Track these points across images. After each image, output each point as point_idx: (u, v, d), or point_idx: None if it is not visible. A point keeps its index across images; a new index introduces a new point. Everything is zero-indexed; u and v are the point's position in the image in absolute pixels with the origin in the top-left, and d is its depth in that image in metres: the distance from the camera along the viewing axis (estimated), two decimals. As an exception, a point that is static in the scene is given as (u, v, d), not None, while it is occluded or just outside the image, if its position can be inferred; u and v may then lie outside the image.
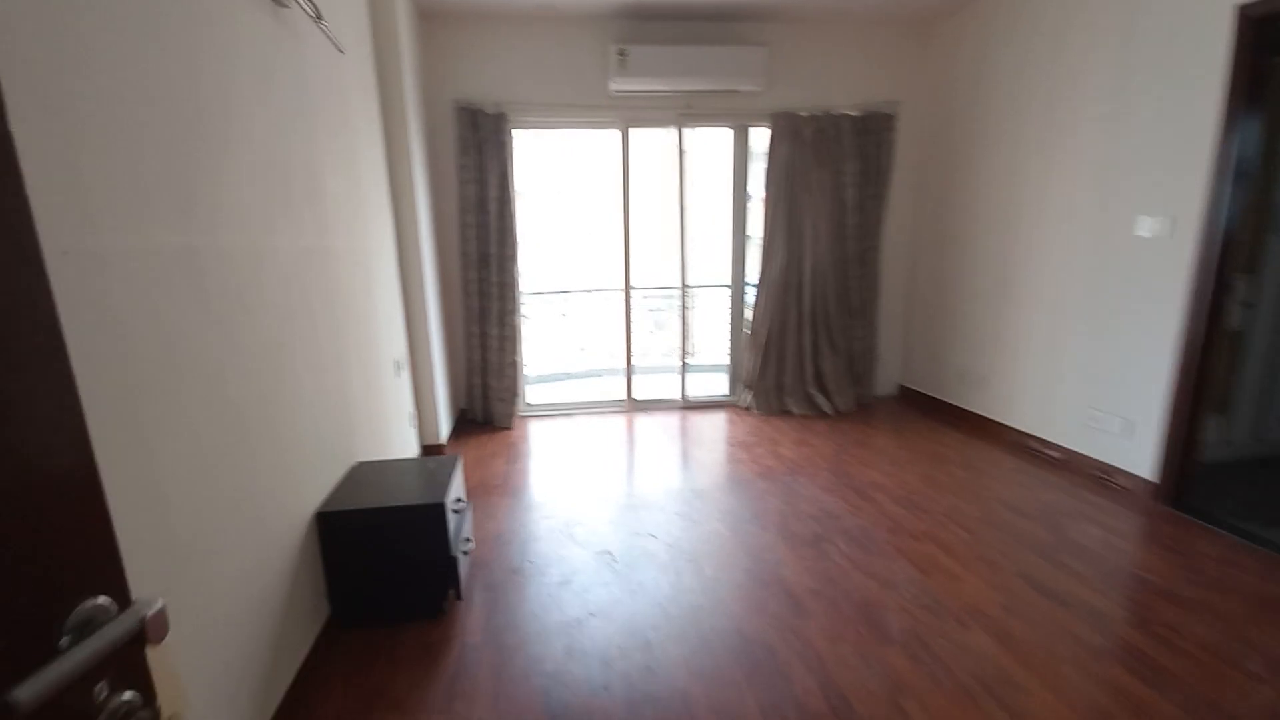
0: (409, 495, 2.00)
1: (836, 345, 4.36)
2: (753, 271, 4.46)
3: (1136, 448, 2.90)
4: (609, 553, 2.46)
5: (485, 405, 4.23)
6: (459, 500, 2.18)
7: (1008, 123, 3.55)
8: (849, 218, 4.26)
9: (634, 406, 4.54)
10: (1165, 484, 2.77)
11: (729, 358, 4.72)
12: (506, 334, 4.09)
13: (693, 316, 6.31)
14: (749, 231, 4.48)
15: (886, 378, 4.72)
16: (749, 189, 4.43)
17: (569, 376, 6.12)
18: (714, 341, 6.23)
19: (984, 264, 3.81)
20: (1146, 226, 2.78)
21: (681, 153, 4.24)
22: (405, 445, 3.21)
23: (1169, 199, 2.69)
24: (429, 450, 3.57)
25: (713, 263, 4.84)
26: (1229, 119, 2.45)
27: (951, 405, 4.17)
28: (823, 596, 2.11)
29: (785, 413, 4.36)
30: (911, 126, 4.32)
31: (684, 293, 4.50)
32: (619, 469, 3.39)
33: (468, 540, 2.26)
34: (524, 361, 4.43)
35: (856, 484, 3.08)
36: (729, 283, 4.59)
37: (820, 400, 4.31)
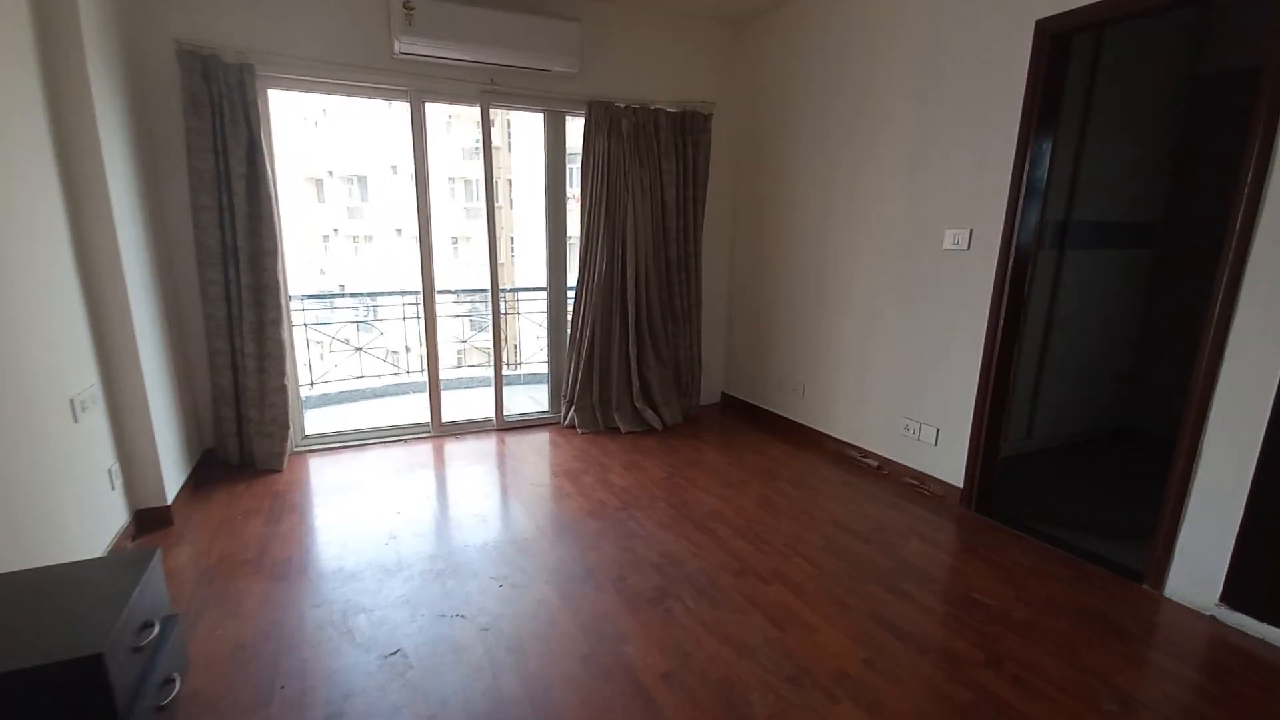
0: (30, 646, 1.23)
1: (663, 355, 4.13)
2: (573, 275, 4.04)
3: (944, 454, 3.01)
4: (401, 653, 1.87)
5: (242, 443, 3.29)
6: (148, 627, 1.44)
7: (818, 129, 3.55)
8: (670, 220, 4.03)
9: (442, 431, 3.88)
10: (971, 489, 2.89)
11: (548, 362, 4.25)
12: (268, 350, 3.20)
13: (513, 324, 5.76)
14: (569, 231, 4.06)
15: (710, 386, 4.62)
16: (567, 184, 4.00)
17: (370, 395, 5.21)
18: (535, 350, 5.74)
19: (799, 272, 3.81)
20: (952, 239, 2.87)
21: (487, 134, 3.67)
22: (97, 520, 2.27)
23: (972, 212, 2.78)
24: (145, 517, 2.61)
25: (534, 264, 4.34)
26: (1024, 133, 2.56)
27: (774, 414, 4.15)
28: (676, 681, 1.76)
29: (612, 429, 4.02)
30: (727, 128, 4.22)
31: (496, 297, 3.94)
32: (421, 520, 2.77)
33: (169, 682, 1.52)
34: (297, 383, 3.54)
35: (695, 515, 2.82)
36: (546, 286, 4.12)
37: (649, 415, 4.04)
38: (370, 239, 20.09)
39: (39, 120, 2.07)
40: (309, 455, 3.51)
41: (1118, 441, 3.87)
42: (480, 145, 3.68)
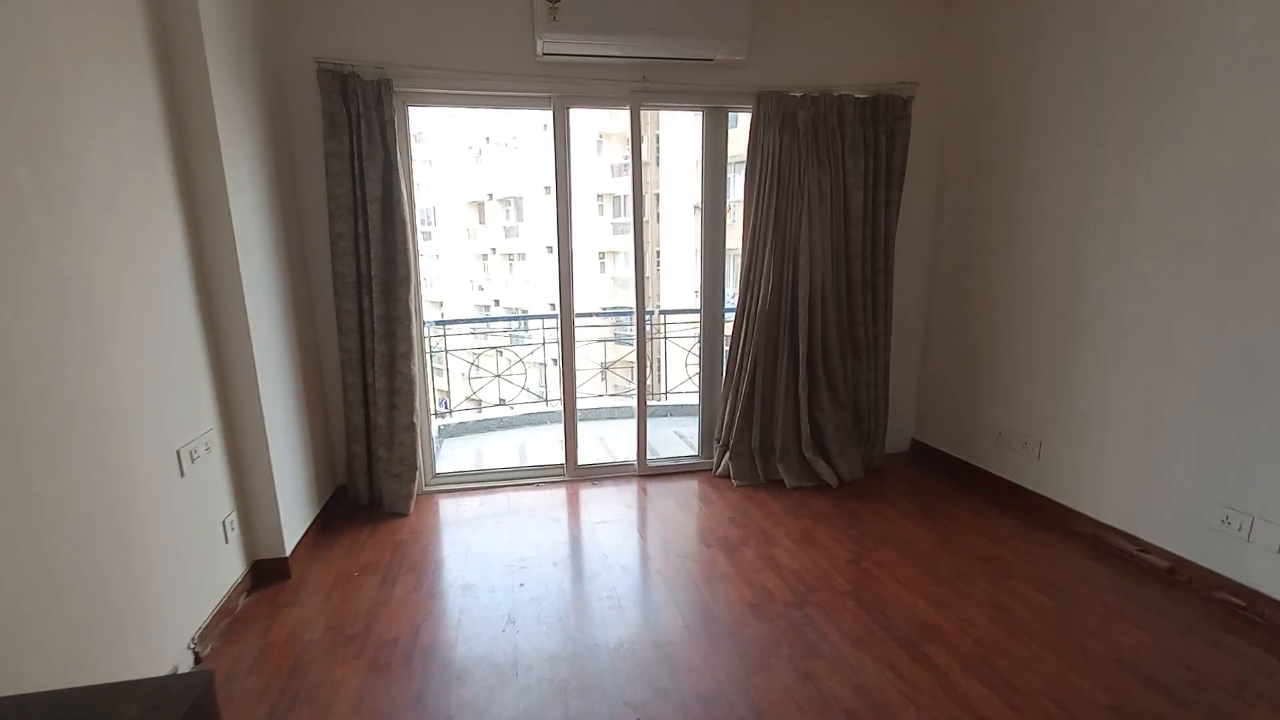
0: None
1: (840, 395, 3.37)
2: (732, 297, 3.44)
3: (1304, 571, 1.97)
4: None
5: (371, 483, 3.08)
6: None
7: (1072, 112, 2.63)
8: (855, 230, 3.28)
9: (577, 475, 3.45)
10: (1365, 635, 1.84)
11: (699, 400, 3.66)
12: (399, 386, 2.95)
13: (659, 349, 5.29)
14: (728, 245, 3.47)
15: (897, 431, 3.75)
16: (727, 192, 3.42)
17: (502, 426, 4.99)
18: (682, 377, 5.22)
19: (1037, 292, 2.88)
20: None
21: (636, 136, 3.19)
22: (209, 574, 2.05)
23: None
24: (263, 569, 2.40)
25: (684, 283, 3.82)
26: None
27: (989, 474, 3.21)
28: None
29: (775, 483, 3.33)
30: (932, 114, 3.37)
31: (641, 320, 3.44)
32: (546, 597, 2.30)
33: None
34: (429, 419, 3.30)
35: (900, 627, 2.06)
36: (700, 308, 3.55)
37: (820, 468, 3.30)
38: (524, 256, 21.09)
39: (157, 142, 1.89)
40: (438, 496, 3.23)
41: None
42: (629, 158, 3.21)
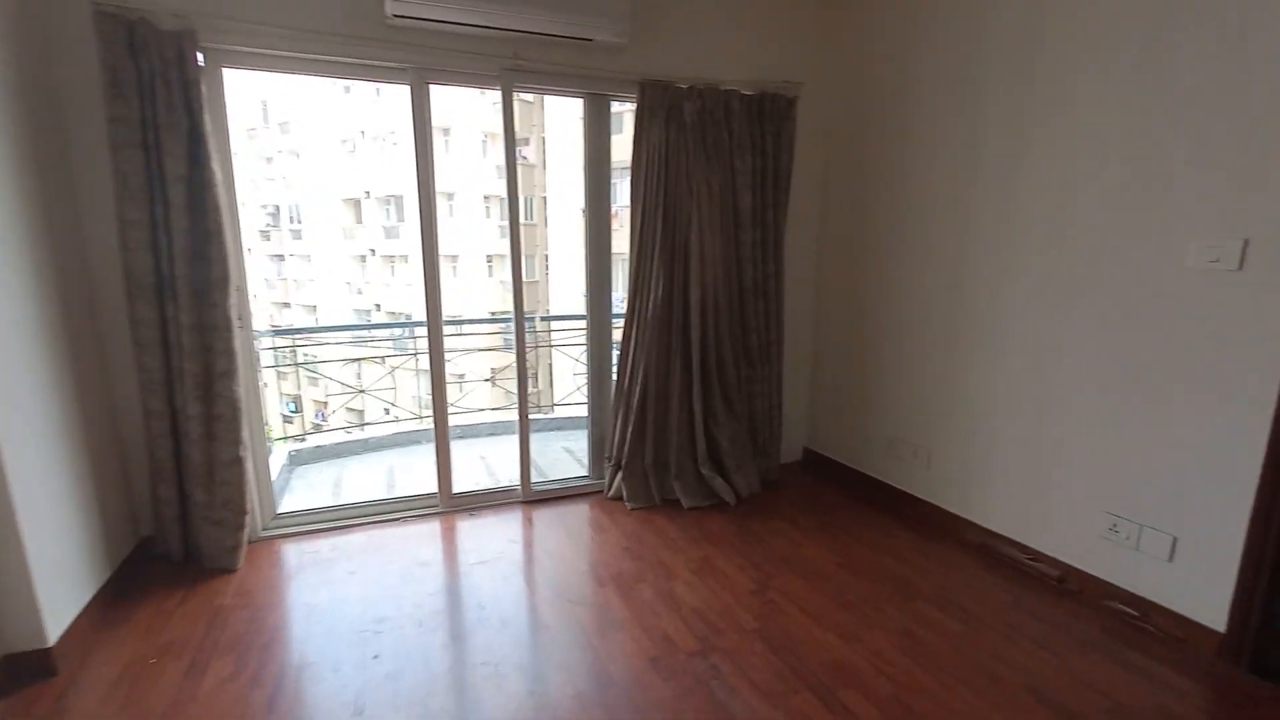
0: None
1: (735, 406, 3.20)
2: (621, 301, 3.17)
3: (1186, 575, 2.00)
4: None
5: (186, 533, 2.49)
6: None
7: (953, 118, 2.61)
8: (745, 233, 3.12)
9: (452, 505, 3.03)
10: (1242, 636, 1.87)
11: (588, 413, 3.35)
12: (218, 412, 2.39)
13: (546, 358, 4.93)
14: (617, 247, 3.19)
15: (790, 441, 3.66)
16: (612, 187, 3.14)
17: (369, 449, 4.40)
18: (573, 387, 4.89)
19: (924, 299, 2.85)
20: (1205, 253, 1.89)
21: (509, 122, 2.83)
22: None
23: (1247, 213, 1.80)
24: (17, 666, 1.80)
25: (574, 287, 3.51)
26: None
27: (881, 483, 3.17)
28: None
29: (671, 502, 3.10)
30: (815, 114, 3.29)
31: (521, 328, 3.07)
32: (407, 672, 1.89)
33: None
34: (265, 449, 2.74)
35: (811, 669, 1.87)
36: (586, 312, 3.25)
37: (718, 484, 3.10)
38: (406, 258, 19.78)
39: None
40: (280, 542, 2.69)
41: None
42: (506, 138, 2.83)
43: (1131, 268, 2.07)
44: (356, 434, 4.65)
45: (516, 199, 2.91)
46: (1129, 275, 2.08)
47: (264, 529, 2.75)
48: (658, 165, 2.88)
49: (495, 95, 2.76)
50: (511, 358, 3.10)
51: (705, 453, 3.13)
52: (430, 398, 2.97)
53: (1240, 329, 1.83)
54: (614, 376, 3.17)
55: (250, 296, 2.67)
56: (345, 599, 2.25)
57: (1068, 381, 2.29)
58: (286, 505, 3.18)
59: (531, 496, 3.14)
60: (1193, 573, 1.98)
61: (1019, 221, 2.42)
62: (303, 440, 4.63)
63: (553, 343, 4.96)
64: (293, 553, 2.61)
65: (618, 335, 3.18)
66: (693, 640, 2.01)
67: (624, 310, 3.08)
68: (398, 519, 2.90)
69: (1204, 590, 1.95)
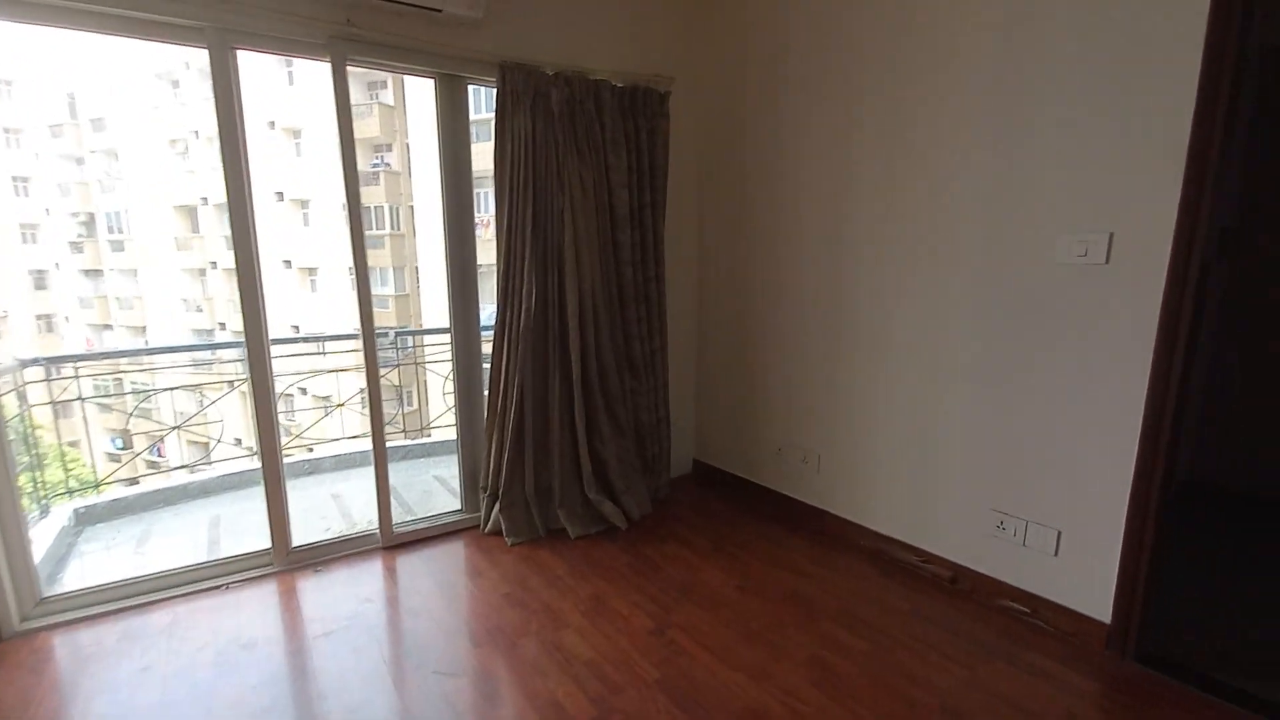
0: None
1: (620, 420, 2.96)
2: (490, 315, 2.83)
3: (1071, 569, 2.01)
4: None
5: (-111, 641, 1.82)
6: None
7: (826, 118, 2.55)
8: (623, 233, 2.90)
9: (292, 562, 2.52)
10: (1128, 625, 1.89)
11: (458, 438, 2.96)
12: (-64, 475, 1.77)
13: (419, 376, 4.41)
14: (487, 257, 2.85)
15: (679, 452, 3.48)
16: (473, 180, 2.80)
17: (189, 496, 3.68)
18: (444, 408, 4.43)
19: (807, 304, 2.77)
20: (1075, 248, 1.90)
21: (343, 100, 2.38)
22: None
23: (1113, 208, 1.83)
24: None
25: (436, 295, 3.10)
26: (1209, 83, 1.63)
27: (772, 491, 3.07)
28: None
29: (556, 533, 2.79)
30: (691, 110, 3.16)
31: (372, 343, 2.63)
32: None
33: None
34: (20, 517, 2.10)
35: (720, 722, 1.65)
36: (450, 325, 2.86)
37: (607, 508, 2.84)
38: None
39: None
40: (46, 635, 2.07)
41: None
42: (338, 121, 2.39)
43: (1005, 264, 2.07)
44: (179, 478, 3.89)
45: (358, 195, 2.50)
46: (1002, 272, 2.08)
47: (24, 620, 2.11)
48: (525, 158, 2.58)
49: (358, 96, 2.32)
50: (385, 377, 2.66)
51: (592, 474, 2.85)
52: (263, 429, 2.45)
53: (1110, 320, 1.85)
54: (486, 395, 2.82)
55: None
56: (131, 711, 1.73)
57: (948, 380, 2.27)
58: (69, 581, 2.52)
59: (394, 541, 2.70)
60: (1078, 566, 1.99)
61: (895, 222, 2.38)
62: (135, 483, 3.83)
63: (425, 359, 4.48)
64: (64, 648, 2.01)
65: (487, 349, 2.83)
66: (587, 703, 1.72)
67: (494, 322, 2.74)
68: (218, 587, 2.36)
69: (1089, 583, 1.96)
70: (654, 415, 3.13)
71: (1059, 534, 2.02)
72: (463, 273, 2.78)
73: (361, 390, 2.82)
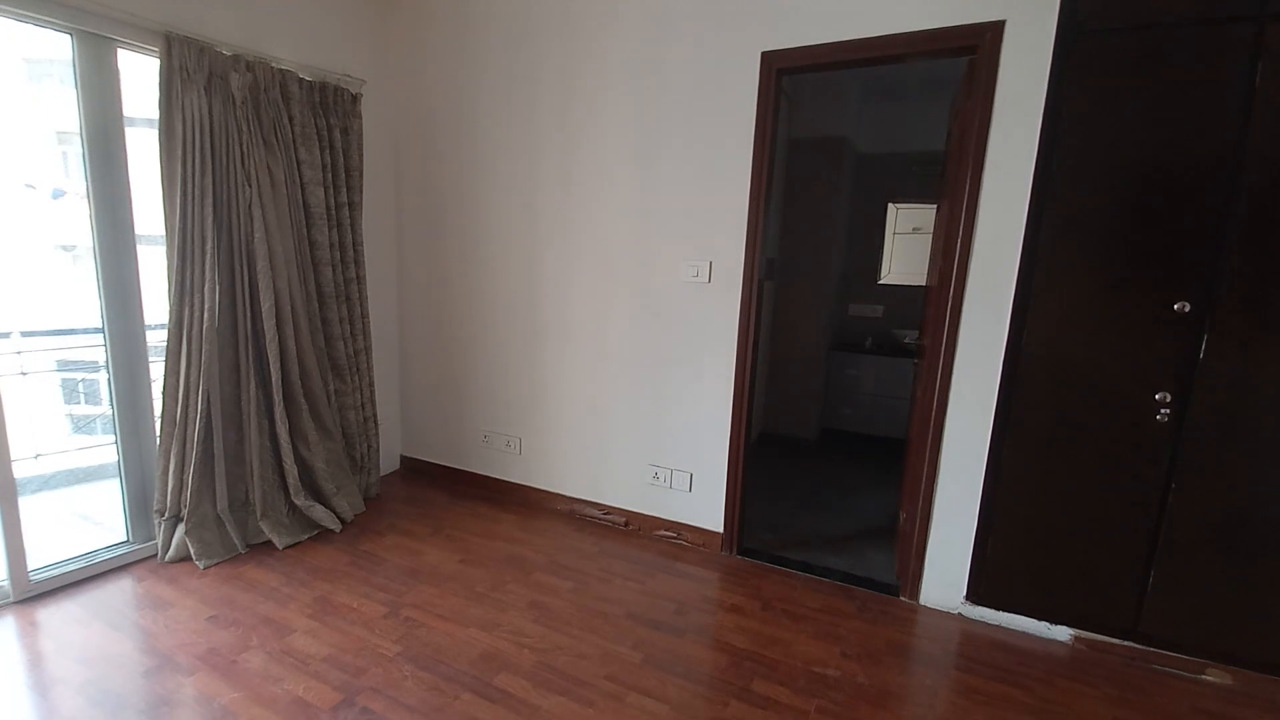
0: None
1: (326, 423, 2.92)
2: (161, 310, 2.50)
3: (699, 500, 2.85)
4: None
5: None
6: None
7: (513, 125, 2.98)
8: (319, 232, 2.87)
9: None
10: (732, 533, 2.80)
11: (119, 460, 2.54)
12: None
13: (20, 390, 3.29)
14: (141, 233, 2.48)
15: (387, 449, 3.55)
16: (128, 160, 2.42)
17: None
18: (68, 429, 3.53)
19: (503, 300, 3.17)
20: (692, 270, 2.70)
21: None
22: None
23: (712, 244, 2.65)
24: None
25: (59, 290, 2.56)
26: (758, 162, 2.53)
27: (481, 476, 3.41)
28: None
29: (260, 546, 2.66)
30: (384, 115, 3.26)
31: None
32: None
33: None
34: None
35: (464, 671, 1.96)
36: (101, 325, 2.43)
37: (318, 512, 2.80)
38: None
39: None
40: None
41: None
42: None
43: (650, 279, 2.79)
44: None
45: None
46: (649, 284, 2.80)
47: None
48: (201, 143, 2.37)
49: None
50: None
51: (299, 481, 2.78)
52: None
53: (713, 322, 2.69)
54: (160, 407, 2.49)
55: None
56: None
57: (615, 365, 2.94)
58: None
59: (32, 592, 2.22)
60: (703, 497, 2.84)
61: (574, 229, 2.93)
62: None
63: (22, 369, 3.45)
64: None
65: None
66: (332, 692, 1.84)
67: (166, 321, 2.44)
68: None
69: (710, 508, 2.83)
70: (361, 415, 3.16)
71: (691, 476, 2.84)
72: (121, 273, 2.40)
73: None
